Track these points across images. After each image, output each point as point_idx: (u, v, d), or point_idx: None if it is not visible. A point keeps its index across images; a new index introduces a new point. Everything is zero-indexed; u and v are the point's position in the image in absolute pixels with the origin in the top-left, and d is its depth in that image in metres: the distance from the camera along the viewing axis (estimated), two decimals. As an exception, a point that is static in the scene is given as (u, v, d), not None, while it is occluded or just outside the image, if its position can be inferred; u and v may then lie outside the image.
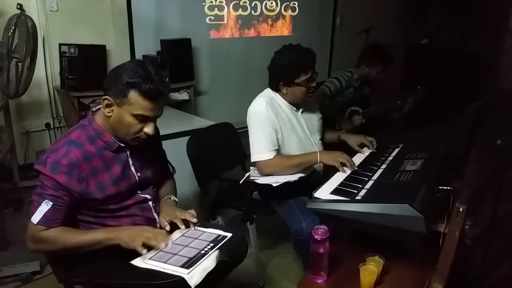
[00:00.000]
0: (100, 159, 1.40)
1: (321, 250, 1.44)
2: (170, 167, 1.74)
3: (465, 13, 5.60)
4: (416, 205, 1.31)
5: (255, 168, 2.01)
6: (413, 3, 5.44)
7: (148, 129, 1.39)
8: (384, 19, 4.39)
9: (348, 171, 1.80)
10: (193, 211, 1.54)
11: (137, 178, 1.50)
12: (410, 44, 4.96)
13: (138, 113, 1.35)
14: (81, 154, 1.35)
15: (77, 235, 1.37)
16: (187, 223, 1.51)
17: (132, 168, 1.49)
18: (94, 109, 1.47)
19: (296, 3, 4.59)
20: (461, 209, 1.12)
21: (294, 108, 2.08)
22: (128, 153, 1.48)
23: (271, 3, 4.39)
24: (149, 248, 1.37)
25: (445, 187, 1.51)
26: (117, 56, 3.50)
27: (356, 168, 1.83)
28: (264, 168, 1.96)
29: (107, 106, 1.37)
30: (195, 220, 1.52)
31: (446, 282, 1.31)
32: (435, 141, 1.99)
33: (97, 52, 3.33)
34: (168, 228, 1.47)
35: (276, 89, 2.03)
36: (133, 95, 1.33)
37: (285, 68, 1.96)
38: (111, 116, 1.38)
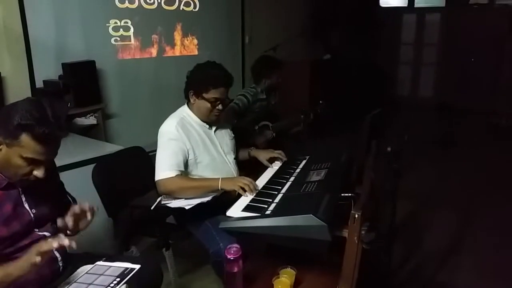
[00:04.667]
0: None
1: (235, 269, 1.44)
2: (69, 198, 1.63)
3: (364, 29, 6.12)
4: (320, 215, 1.36)
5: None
6: (316, 21, 5.77)
7: (38, 172, 1.30)
8: (290, 37, 4.59)
9: (250, 195, 1.74)
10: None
11: (32, 215, 1.38)
12: (313, 59, 5.23)
13: (28, 156, 1.26)
14: None
15: None
16: None
17: (26, 205, 1.38)
18: None
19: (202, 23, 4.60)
20: (356, 216, 1.19)
21: (207, 126, 2.07)
22: (20, 189, 1.37)
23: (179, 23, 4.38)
24: None
25: (347, 194, 1.55)
26: (15, 84, 3.19)
27: (258, 189, 1.78)
28: (162, 186, 1.89)
29: None
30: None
31: (354, 286, 1.38)
32: (338, 150, 2.09)
33: (-10, 81, 3.06)
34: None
35: (186, 96, 2.02)
36: (25, 138, 1.23)
37: (199, 78, 1.97)
38: None
